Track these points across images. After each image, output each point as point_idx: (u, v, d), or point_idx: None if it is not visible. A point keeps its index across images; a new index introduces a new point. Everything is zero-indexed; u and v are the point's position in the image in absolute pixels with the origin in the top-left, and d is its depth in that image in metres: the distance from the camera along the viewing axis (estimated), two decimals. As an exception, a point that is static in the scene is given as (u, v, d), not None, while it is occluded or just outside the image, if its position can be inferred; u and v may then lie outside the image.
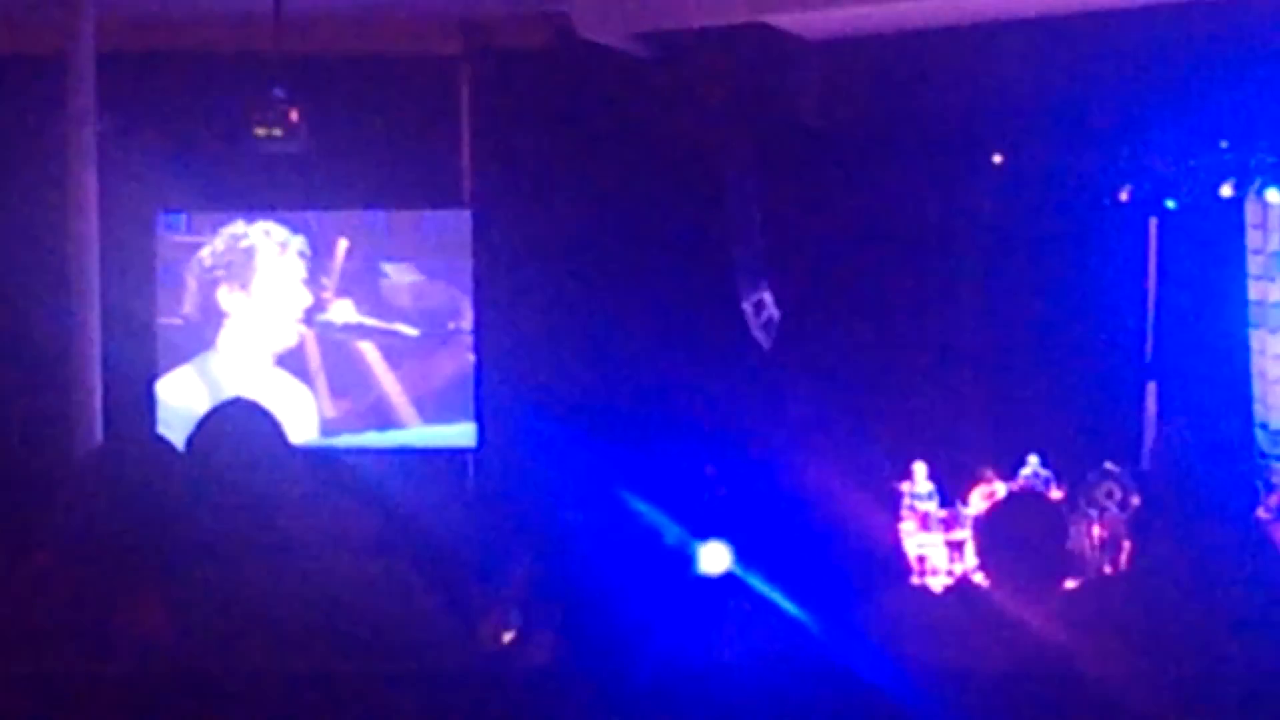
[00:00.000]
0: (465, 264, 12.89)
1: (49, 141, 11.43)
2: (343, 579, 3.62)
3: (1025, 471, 15.12)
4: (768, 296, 14.26)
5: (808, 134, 13.31)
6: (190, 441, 3.71)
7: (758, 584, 3.53)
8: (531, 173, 13.27)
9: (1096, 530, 14.34)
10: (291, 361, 12.93)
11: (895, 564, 4.26)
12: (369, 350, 12.94)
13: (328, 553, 3.69)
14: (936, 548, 14.64)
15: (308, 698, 3.31)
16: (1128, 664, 3.89)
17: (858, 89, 12.97)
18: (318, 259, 12.91)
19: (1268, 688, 3.66)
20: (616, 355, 13.22)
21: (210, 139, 12.42)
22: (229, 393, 9.75)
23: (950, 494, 14.96)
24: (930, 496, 14.85)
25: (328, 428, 12.89)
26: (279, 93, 11.50)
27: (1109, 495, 14.46)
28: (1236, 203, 15.34)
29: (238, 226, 12.91)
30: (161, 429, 11.39)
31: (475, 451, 12.95)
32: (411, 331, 12.93)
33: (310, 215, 12.97)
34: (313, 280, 12.92)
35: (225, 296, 12.93)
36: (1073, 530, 13.06)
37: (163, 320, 12.85)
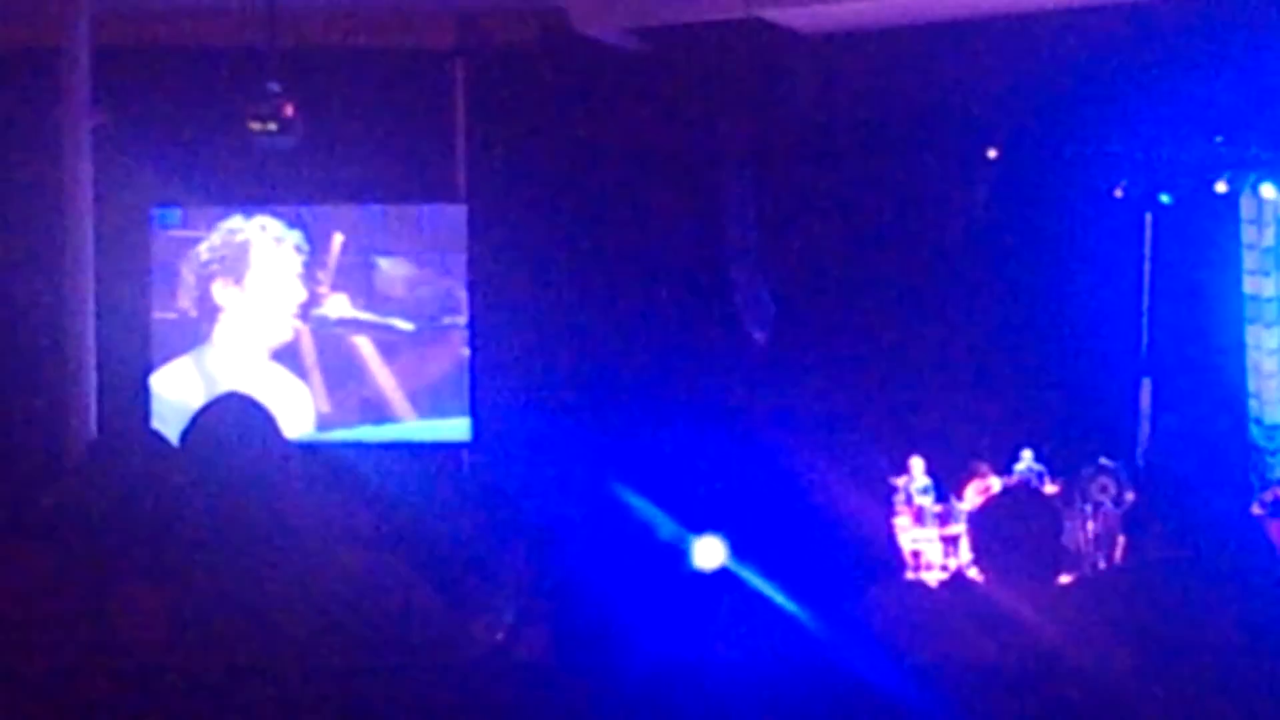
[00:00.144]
0: (460, 258, 12.89)
1: (45, 136, 11.44)
2: (337, 573, 3.62)
3: (1020, 466, 15.14)
4: (763, 290, 14.26)
5: (802, 127, 13.32)
6: (185, 436, 3.71)
7: (752, 579, 3.53)
8: (526, 167, 13.26)
9: (1091, 525, 14.35)
10: (286, 356, 12.93)
11: (890, 559, 4.26)
12: (364, 344, 12.94)
13: (322, 547, 3.69)
14: (931, 543, 14.65)
15: (301, 692, 3.31)
16: (1121, 659, 3.90)
17: (852, 84, 12.98)
18: (313, 254, 12.91)
19: (1261, 682, 3.67)
20: (611, 350, 13.23)
21: (205, 133, 12.42)
22: (224, 387, 9.76)
23: (945, 489, 14.97)
24: (927, 491, 14.87)
25: (323, 422, 12.89)
26: (274, 87, 11.49)
27: (1104, 490, 14.47)
28: (1231, 198, 15.36)
29: (234, 221, 12.92)
30: (156, 423, 11.40)
31: (470, 445, 12.95)
32: (406, 326, 12.93)
33: (305, 209, 12.97)
34: (308, 275, 12.92)
35: (220, 291, 12.93)
36: (1067, 525, 13.05)
37: (158, 315, 12.85)
